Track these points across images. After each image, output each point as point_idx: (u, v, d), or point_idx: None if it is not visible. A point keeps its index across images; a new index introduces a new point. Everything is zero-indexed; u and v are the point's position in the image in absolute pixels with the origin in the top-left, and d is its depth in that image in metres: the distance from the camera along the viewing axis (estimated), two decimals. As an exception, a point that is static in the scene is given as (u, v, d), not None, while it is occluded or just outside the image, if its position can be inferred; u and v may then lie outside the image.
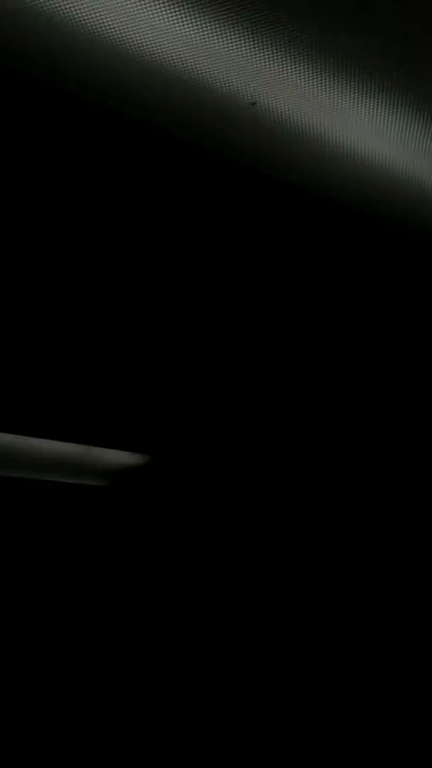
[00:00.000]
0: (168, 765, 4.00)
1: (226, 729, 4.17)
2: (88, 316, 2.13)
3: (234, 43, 1.26)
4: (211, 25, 1.25)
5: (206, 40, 1.27)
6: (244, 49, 1.27)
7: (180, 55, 1.29)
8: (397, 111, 1.36)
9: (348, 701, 4.08)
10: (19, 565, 3.97)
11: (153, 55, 1.29)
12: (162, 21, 1.24)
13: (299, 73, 1.32)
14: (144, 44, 1.29)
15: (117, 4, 1.21)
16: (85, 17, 1.23)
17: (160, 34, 1.26)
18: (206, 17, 1.23)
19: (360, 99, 1.37)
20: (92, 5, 1.22)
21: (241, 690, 4.29)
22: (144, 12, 1.22)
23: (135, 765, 3.95)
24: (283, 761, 4.12)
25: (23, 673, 3.88)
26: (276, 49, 1.27)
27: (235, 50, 1.27)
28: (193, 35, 1.26)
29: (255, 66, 1.30)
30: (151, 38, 1.27)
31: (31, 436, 3.10)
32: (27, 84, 1.31)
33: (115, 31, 1.27)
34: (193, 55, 1.30)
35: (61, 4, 1.21)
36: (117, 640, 4.11)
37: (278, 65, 1.29)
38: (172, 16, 1.22)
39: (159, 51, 1.29)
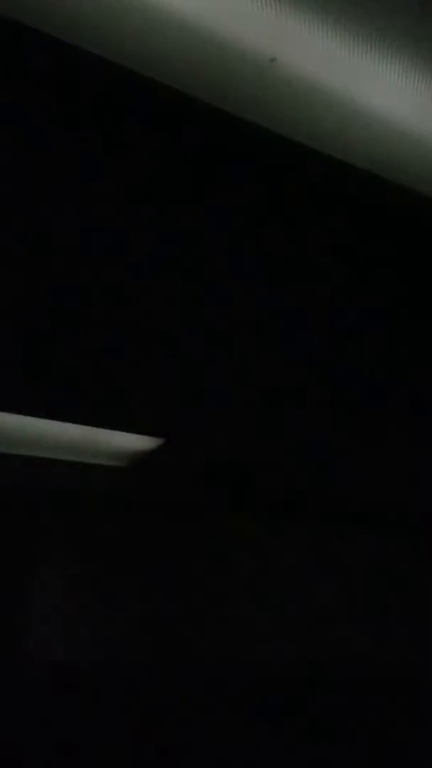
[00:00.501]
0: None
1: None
2: (101, 301, 2.10)
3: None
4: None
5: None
6: (263, 1, 1.23)
7: (196, 7, 1.25)
8: (420, 72, 1.31)
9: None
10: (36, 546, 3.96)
11: (169, 10, 1.26)
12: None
13: (321, 28, 1.28)
14: None
15: None
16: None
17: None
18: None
19: (384, 59, 1.32)
20: None
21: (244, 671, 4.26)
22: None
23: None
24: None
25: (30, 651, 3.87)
26: (297, 2, 1.22)
27: (254, 3, 1.23)
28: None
29: (275, 20, 1.26)
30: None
31: (49, 419, 3.10)
32: (29, 35, 1.27)
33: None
34: (210, 7, 1.25)
35: None
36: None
37: (299, 19, 1.25)
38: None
39: (175, 4, 1.25)
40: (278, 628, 4.37)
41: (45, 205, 1.64)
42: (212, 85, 1.34)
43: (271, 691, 4.23)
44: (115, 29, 1.29)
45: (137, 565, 4.08)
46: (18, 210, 1.66)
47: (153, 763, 3.87)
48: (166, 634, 4.07)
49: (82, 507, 3.96)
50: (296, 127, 1.34)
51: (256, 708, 4.16)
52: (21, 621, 3.82)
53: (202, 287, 1.98)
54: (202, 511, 4.18)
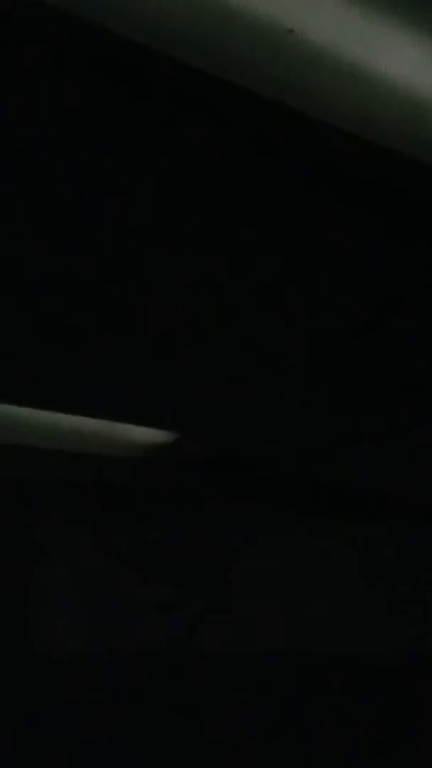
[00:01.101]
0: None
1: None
2: (117, 298, 2.07)
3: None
4: None
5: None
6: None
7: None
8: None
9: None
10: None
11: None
12: None
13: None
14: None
15: None
16: None
17: None
18: None
19: (407, 29, 1.26)
20: None
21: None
22: None
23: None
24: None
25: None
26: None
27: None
28: None
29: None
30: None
31: (68, 413, 3.09)
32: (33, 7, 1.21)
33: None
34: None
35: None
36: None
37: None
38: None
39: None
40: (288, 619, 4.35)
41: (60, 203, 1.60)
42: (226, 57, 1.28)
43: (280, 685, 4.21)
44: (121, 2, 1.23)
45: (148, 555, 4.06)
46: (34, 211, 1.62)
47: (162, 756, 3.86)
48: (174, 624, 4.05)
49: (95, 497, 3.94)
50: (315, 101, 1.28)
51: (261, 701, 4.13)
52: (29, 611, 3.81)
53: (215, 284, 1.93)
54: (213, 501, 4.16)
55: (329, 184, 1.45)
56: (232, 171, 1.45)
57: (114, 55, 1.33)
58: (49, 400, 2.97)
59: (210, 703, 4.02)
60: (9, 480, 3.61)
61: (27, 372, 2.68)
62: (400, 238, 1.69)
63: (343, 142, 1.33)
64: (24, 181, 1.52)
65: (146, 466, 3.54)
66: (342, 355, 2.45)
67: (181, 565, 4.15)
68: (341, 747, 4.27)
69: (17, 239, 1.78)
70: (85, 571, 3.96)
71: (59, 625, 3.85)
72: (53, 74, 1.33)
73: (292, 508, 4.44)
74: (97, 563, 3.98)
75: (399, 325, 2.24)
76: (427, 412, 3.08)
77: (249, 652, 4.20)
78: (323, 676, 4.32)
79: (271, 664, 4.23)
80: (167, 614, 4.07)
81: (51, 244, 1.80)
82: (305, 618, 4.38)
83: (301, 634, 4.36)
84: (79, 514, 3.97)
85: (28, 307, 2.15)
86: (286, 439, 3.40)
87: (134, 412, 2.97)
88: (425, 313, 2.17)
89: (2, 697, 3.65)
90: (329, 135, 1.33)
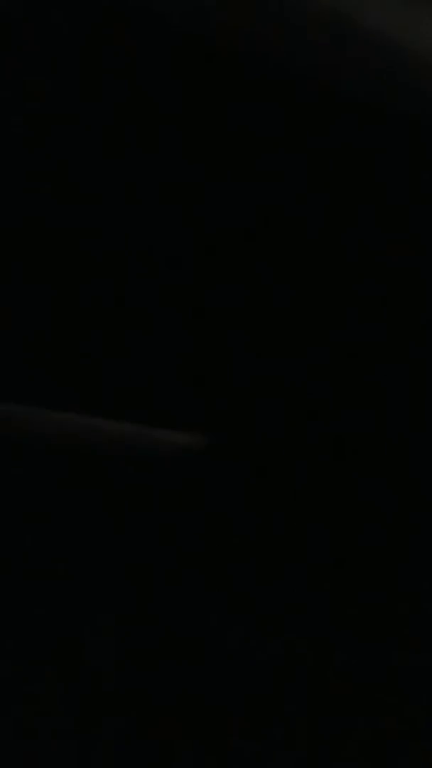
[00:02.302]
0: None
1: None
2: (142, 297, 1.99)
3: None
4: None
5: None
6: None
7: None
8: None
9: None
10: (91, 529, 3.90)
11: None
12: None
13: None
14: None
15: None
16: None
17: None
18: None
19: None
20: None
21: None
22: None
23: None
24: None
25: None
26: None
27: None
28: None
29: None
30: None
31: (96, 415, 3.03)
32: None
33: None
34: None
35: None
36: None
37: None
38: None
39: None
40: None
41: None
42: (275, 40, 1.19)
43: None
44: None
45: (183, 561, 4.01)
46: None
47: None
48: (199, 631, 4.02)
49: (130, 503, 3.88)
50: (370, 88, 1.20)
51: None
52: (66, 611, 3.77)
53: (253, 290, 1.86)
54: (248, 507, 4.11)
55: (381, 172, 1.37)
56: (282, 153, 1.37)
57: (164, 44, 1.24)
58: (86, 405, 2.92)
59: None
60: (49, 484, 3.55)
61: (64, 377, 2.62)
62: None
63: (399, 130, 1.25)
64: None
65: (187, 471, 3.48)
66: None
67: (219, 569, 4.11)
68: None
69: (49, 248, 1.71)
70: (127, 575, 3.91)
71: (101, 628, 3.81)
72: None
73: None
74: (140, 567, 3.93)
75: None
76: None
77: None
78: (323, 685, 4.30)
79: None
80: (197, 622, 4.04)
81: (90, 256, 1.74)
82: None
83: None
84: (119, 519, 3.93)
85: (67, 316, 2.10)
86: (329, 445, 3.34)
87: (170, 416, 2.91)
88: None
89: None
90: (384, 123, 1.24)
